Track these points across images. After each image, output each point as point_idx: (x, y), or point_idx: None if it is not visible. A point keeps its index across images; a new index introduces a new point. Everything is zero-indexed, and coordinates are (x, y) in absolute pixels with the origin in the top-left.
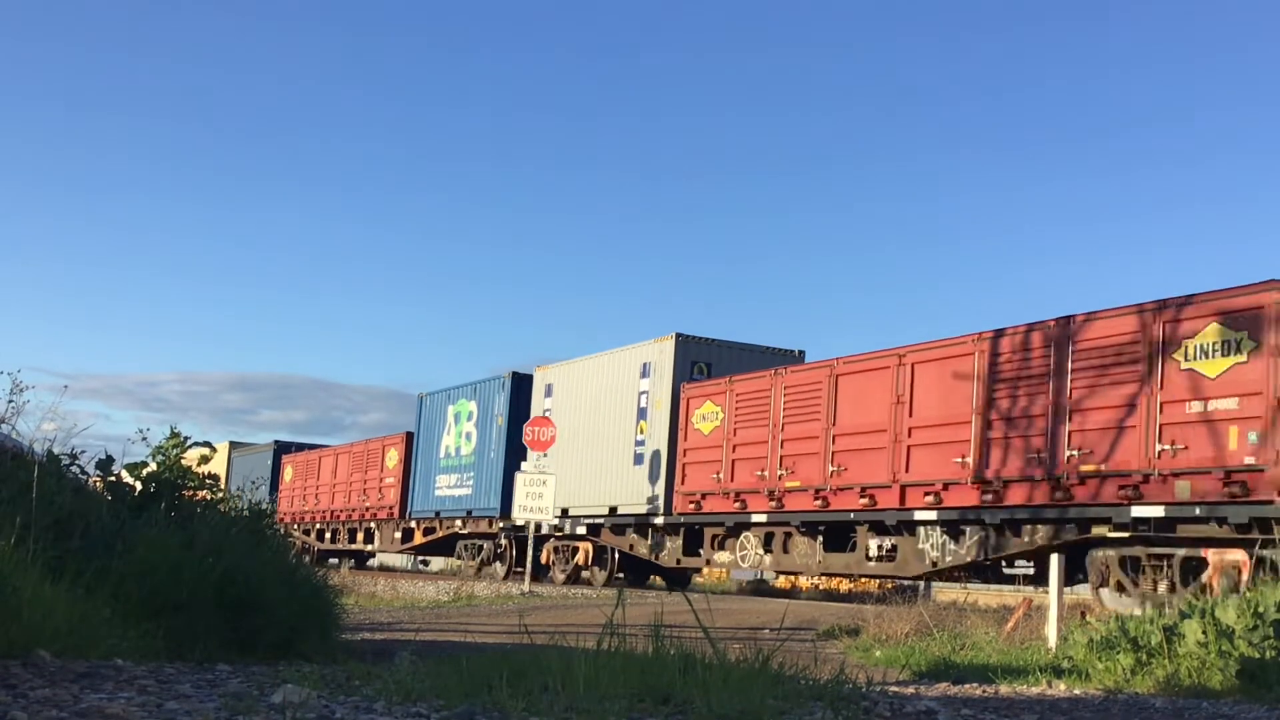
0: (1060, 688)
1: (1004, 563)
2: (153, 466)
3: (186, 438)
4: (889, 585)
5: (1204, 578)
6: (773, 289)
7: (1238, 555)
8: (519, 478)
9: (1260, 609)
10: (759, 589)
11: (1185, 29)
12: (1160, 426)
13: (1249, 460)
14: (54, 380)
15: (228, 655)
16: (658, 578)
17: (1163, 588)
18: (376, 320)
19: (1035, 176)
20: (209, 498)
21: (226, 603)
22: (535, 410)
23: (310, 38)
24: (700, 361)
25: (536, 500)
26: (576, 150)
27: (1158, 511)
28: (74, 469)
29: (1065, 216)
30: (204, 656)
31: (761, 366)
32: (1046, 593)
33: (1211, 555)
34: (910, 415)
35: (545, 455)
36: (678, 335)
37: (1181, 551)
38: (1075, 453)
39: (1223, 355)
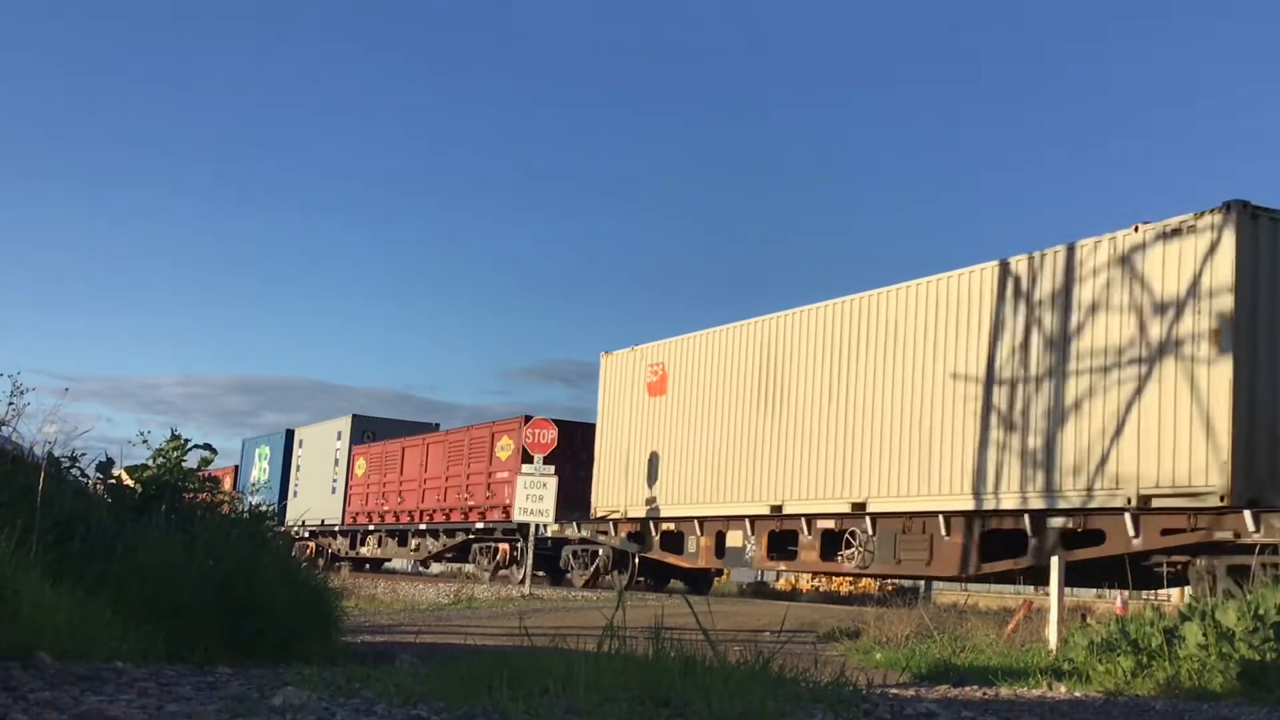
0: (1061, 690)
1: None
2: (153, 469)
3: (187, 440)
4: (889, 587)
5: (500, 556)
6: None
7: (511, 546)
8: (519, 480)
9: (1261, 611)
10: (759, 591)
11: None
12: (489, 485)
13: (506, 502)
14: (55, 383)
15: (228, 658)
16: (360, 566)
17: (486, 560)
18: (379, 322)
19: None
20: (210, 500)
21: (227, 605)
22: (294, 455)
23: (310, 40)
24: (369, 430)
25: (537, 503)
26: (581, 154)
27: (481, 526)
28: (74, 471)
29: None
30: (204, 659)
31: (410, 434)
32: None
33: (503, 544)
34: (426, 472)
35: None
36: (354, 415)
37: (494, 544)
38: (468, 495)
39: (507, 453)
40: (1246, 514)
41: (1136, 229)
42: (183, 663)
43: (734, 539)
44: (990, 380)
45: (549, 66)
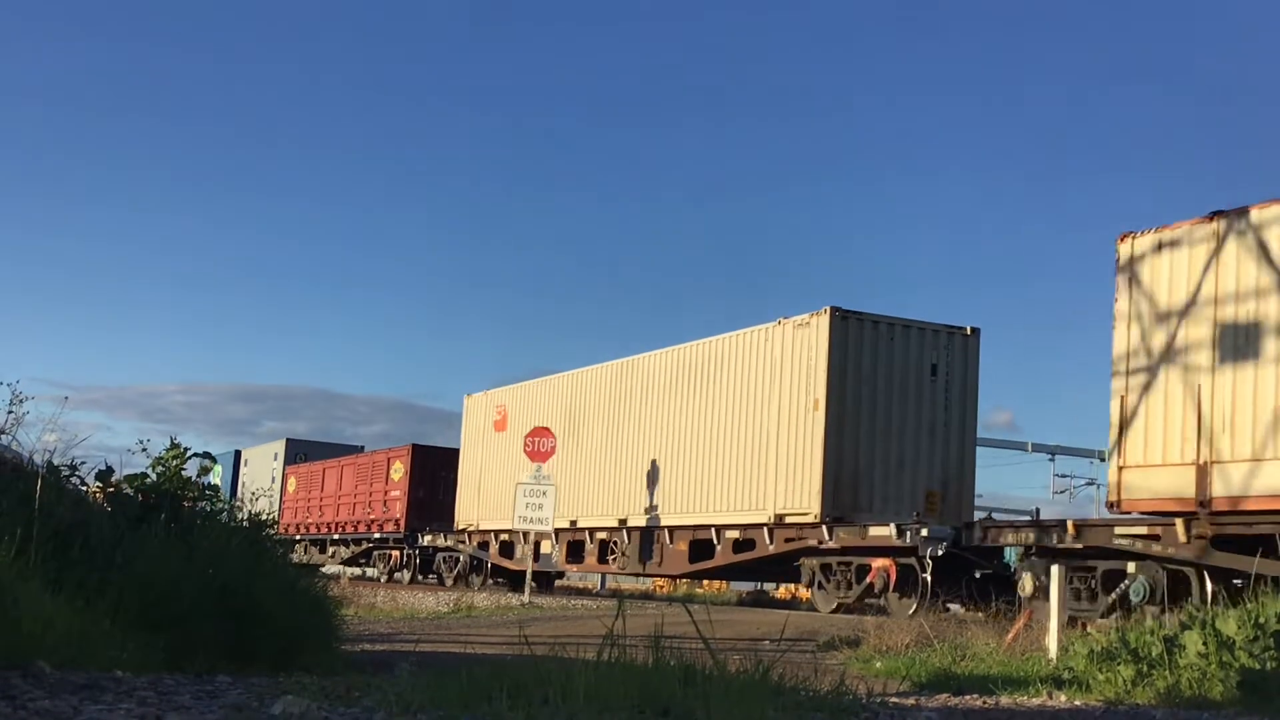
0: (1061, 699)
1: (367, 558)
2: (152, 477)
3: (186, 449)
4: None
5: (393, 561)
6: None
7: (401, 554)
8: (518, 489)
9: (1261, 620)
10: (759, 599)
11: None
12: (385, 501)
13: (397, 516)
14: (56, 391)
15: (228, 667)
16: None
17: (382, 565)
18: (380, 330)
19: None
20: (208, 508)
21: (226, 614)
22: (241, 473)
23: (309, 45)
24: (302, 452)
25: (536, 511)
26: (582, 158)
27: (378, 536)
28: (74, 480)
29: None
30: (204, 668)
31: (334, 456)
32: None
33: (395, 552)
34: (340, 490)
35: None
36: (288, 439)
37: (389, 551)
38: (370, 510)
39: (399, 474)
40: (824, 528)
41: (780, 322)
42: (182, 672)
43: (545, 546)
44: (691, 431)
45: (549, 72)
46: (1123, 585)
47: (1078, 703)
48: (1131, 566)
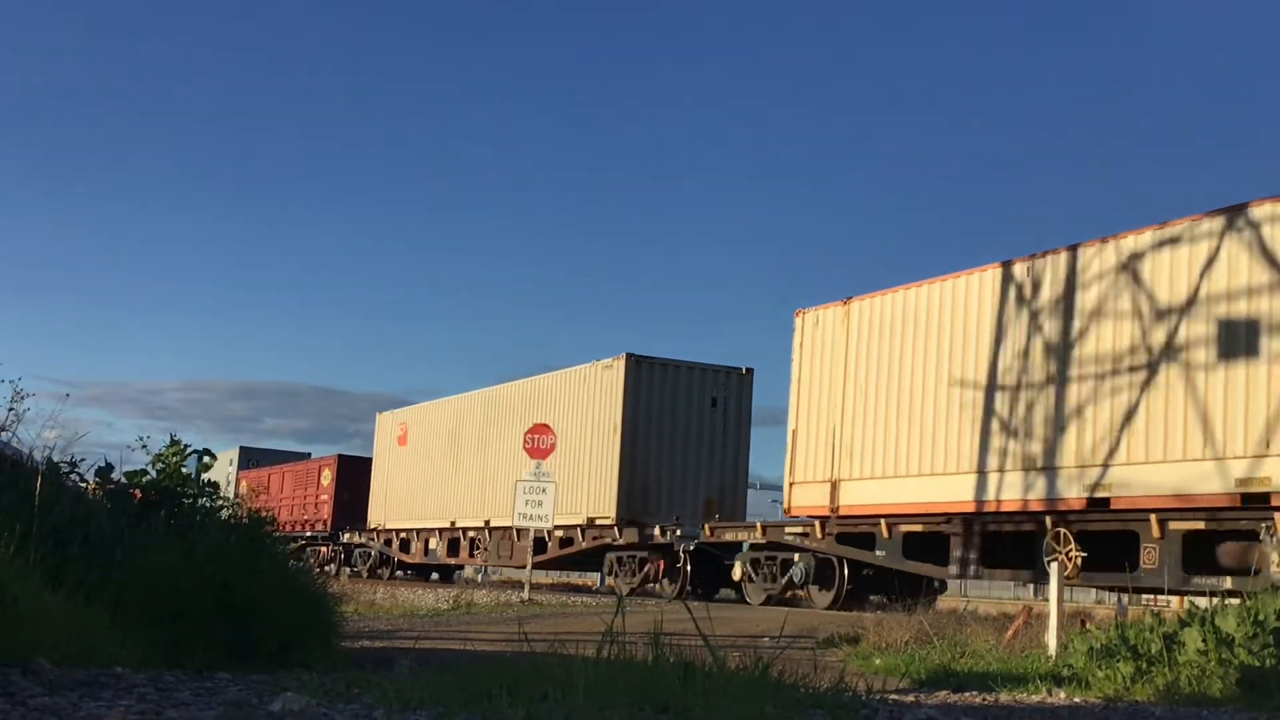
0: (1060, 696)
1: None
2: (152, 474)
3: (186, 445)
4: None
5: (321, 556)
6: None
7: (328, 549)
8: (517, 486)
9: (1260, 617)
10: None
11: None
12: (316, 504)
13: (325, 517)
14: (56, 388)
15: (227, 663)
16: None
17: (313, 560)
18: (380, 328)
19: None
20: (208, 505)
21: (226, 611)
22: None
23: (309, 47)
24: (254, 459)
25: (536, 509)
26: (580, 156)
27: (310, 534)
28: (74, 477)
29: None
30: (203, 665)
31: (279, 462)
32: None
33: (323, 548)
34: (283, 494)
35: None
36: (241, 447)
37: (319, 548)
38: (304, 511)
39: (327, 480)
40: (616, 528)
41: (593, 364)
42: (182, 668)
43: (433, 543)
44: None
45: (544, 67)
46: (791, 570)
47: (1077, 700)
48: (796, 556)
